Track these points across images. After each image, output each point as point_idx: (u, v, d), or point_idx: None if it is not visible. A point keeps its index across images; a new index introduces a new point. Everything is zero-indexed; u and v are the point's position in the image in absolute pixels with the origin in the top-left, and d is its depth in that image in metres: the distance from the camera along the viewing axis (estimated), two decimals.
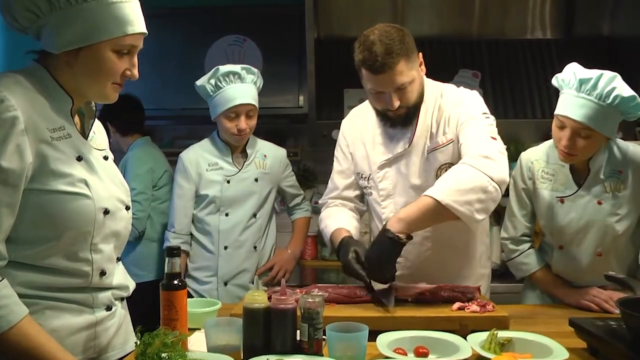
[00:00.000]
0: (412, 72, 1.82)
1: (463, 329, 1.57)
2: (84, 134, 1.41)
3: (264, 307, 1.37)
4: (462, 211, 1.65)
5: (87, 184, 1.32)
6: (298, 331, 1.38)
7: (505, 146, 1.80)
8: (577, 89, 1.82)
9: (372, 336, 1.39)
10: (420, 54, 1.87)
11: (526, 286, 2.22)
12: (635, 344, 1.32)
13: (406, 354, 1.39)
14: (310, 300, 1.35)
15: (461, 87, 1.99)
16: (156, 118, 3.47)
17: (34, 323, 1.22)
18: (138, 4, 1.35)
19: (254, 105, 2.47)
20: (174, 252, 1.45)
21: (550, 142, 2.05)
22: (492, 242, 3.10)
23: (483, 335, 1.43)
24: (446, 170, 1.81)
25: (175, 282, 1.43)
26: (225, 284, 2.52)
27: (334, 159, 2.17)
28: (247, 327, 1.37)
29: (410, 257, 1.96)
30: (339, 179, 2.14)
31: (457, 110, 1.88)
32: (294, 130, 3.79)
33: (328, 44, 3.77)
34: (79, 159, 1.33)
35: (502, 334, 1.44)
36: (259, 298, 1.38)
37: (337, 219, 2.04)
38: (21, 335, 1.19)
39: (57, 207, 1.27)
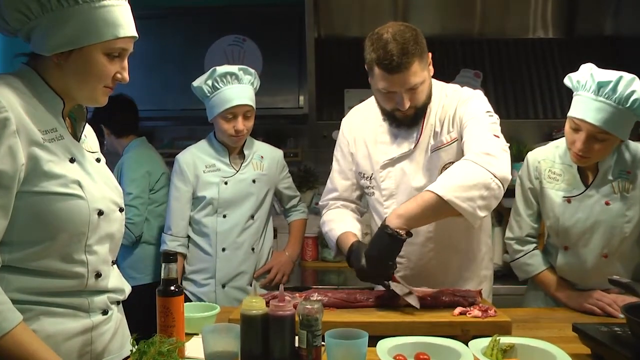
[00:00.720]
0: (424, 72, 1.81)
1: (465, 334, 1.55)
2: (76, 136, 1.41)
3: (261, 313, 1.35)
4: (464, 207, 1.63)
5: (80, 185, 1.32)
6: (296, 337, 1.36)
7: (508, 144, 1.78)
8: (595, 92, 1.78)
9: (373, 341, 1.36)
10: (430, 54, 1.85)
11: (530, 288, 2.21)
12: None
13: None
14: (308, 306, 1.33)
15: (465, 87, 1.98)
16: (156, 119, 3.46)
17: (27, 330, 1.21)
18: (129, 7, 1.35)
19: (252, 106, 2.45)
20: (170, 257, 1.42)
21: (557, 142, 2.05)
22: (494, 243, 3.08)
23: (485, 342, 1.41)
24: None
25: (172, 288, 1.40)
26: (223, 286, 2.50)
27: (333, 159, 2.16)
28: (245, 334, 1.35)
29: (412, 259, 1.95)
30: (338, 179, 2.12)
31: (461, 109, 1.87)
32: (294, 131, 3.78)
33: (328, 43, 3.76)
34: (72, 160, 1.33)
35: (505, 340, 1.42)
36: (256, 304, 1.36)
37: (342, 222, 2.03)
38: (14, 343, 1.17)
39: (51, 208, 1.26)
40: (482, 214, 1.66)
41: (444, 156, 1.88)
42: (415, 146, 1.92)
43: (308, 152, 3.77)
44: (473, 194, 1.63)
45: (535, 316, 1.89)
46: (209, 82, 2.41)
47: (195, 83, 2.45)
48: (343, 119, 2.16)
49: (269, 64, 3.37)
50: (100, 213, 1.35)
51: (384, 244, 1.66)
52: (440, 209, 1.65)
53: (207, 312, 1.69)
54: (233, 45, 3.44)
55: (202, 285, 2.52)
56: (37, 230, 1.26)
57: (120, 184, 2.78)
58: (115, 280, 1.46)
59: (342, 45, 3.79)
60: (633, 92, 1.75)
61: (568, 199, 1.97)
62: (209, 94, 2.43)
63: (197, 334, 1.58)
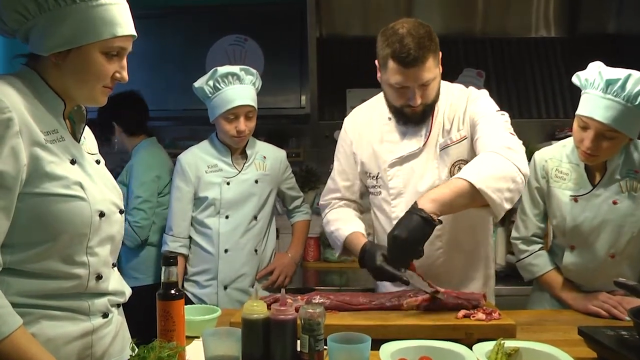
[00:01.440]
0: (436, 69, 1.83)
1: (469, 337, 1.53)
2: (75, 138, 1.40)
3: (263, 317, 1.34)
4: (493, 198, 1.63)
5: (82, 187, 1.31)
6: (298, 342, 1.35)
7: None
8: (604, 90, 1.78)
9: (376, 345, 1.35)
10: (440, 53, 1.85)
11: (535, 289, 2.20)
12: None
13: None
14: (310, 310, 1.31)
15: (471, 87, 1.99)
16: (157, 119, 3.43)
17: (27, 334, 1.20)
18: (127, 6, 1.35)
19: (253, 106, 2.43)
20: (170, 260, 1.40)
21: (564, 141, 2.04)
22: (497, 244, 3.07)
23: (489, 345, 1.40)
24: (460, 168, 1.81)
25: (172, 291, 1.38)
26: (225, 287, 2.48)
27: (335, 159, 2.14)
28: (246, 338, 1.34)
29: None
30: (340, 179, 2.11)
31: (471, 107, 1.88)
32: (296, 130, 3.77)
33: (330, 43, 3.75)
34: (73, 162, 1.32)
35: (509, 344, 1.40)
36: (257, 308, 1.34)
37: (349, 222, 2.02)
38: (13, 347, 1.16)
39: (53, 209, 1.26)
40: (507, 206, 1.67)
41: (453, 154, 1.89)
42: (424, 144, 1.92)
43: (310, 152, 3.76)
44: (502, 186, 1.64)
45: (540, 319, 1.88)
46: (211, 82, 2.39)
47: (197, 84, 2.44)
48: (345, 119, 2.15)
49: (270, 64, 3.36)
50: (102, 214, 1.35)
51: (417, 227, 1.59)
52: (471, 198, 1.64)
53: (208, 315, 1.67)
54: (234, 45, 3.43)
55: (204, 286, 2.50)
56: (38, 231, 1.25)
57: (128, 185, 2.79)
58: (116, 282, 1.45)
59: (344, 45, 3.78)
60: None
61: (575, 198, 1.95)
62: (210, 95, 2.41)
63: (197, 337, 1.57)
